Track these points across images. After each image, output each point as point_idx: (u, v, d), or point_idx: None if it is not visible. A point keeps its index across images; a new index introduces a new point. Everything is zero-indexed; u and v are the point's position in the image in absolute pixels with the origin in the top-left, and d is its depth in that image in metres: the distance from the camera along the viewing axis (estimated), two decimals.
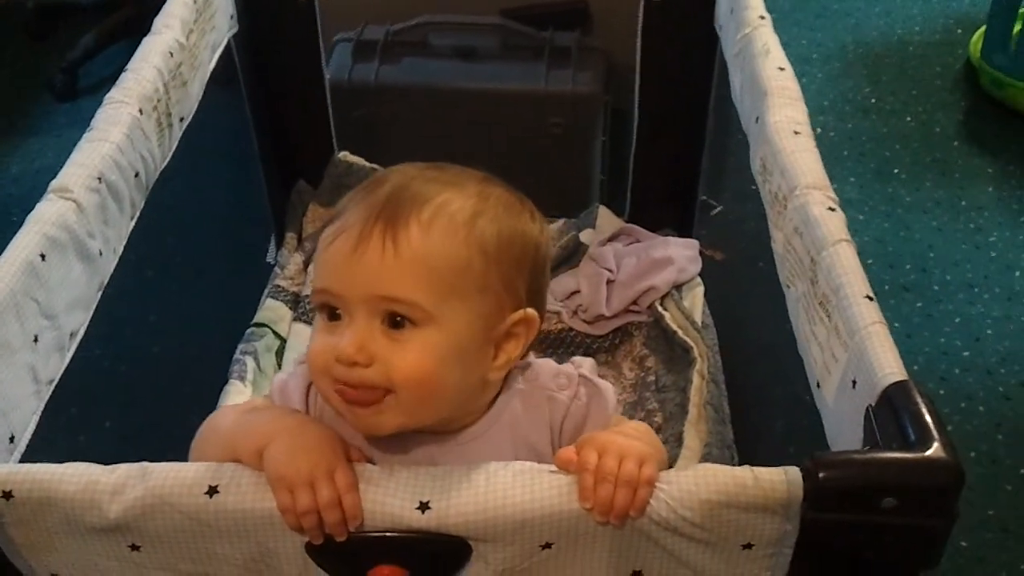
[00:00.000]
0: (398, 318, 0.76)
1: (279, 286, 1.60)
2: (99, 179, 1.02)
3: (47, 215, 0.95)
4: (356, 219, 0.77)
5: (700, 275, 1.60)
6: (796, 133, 1.04)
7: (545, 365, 0.88)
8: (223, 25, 1.41)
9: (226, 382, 1.42)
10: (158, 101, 1.16)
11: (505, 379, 0.85)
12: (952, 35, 2.66)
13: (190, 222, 1.99)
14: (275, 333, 1.53)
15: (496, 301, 0.79)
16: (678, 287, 1.55)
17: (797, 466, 0.69)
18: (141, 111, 1.12)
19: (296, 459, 0.70)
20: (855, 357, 0.80)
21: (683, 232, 1.71)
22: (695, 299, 1.54)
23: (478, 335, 0.79)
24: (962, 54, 2.57)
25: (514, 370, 0.85)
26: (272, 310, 1.56)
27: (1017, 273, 1.98)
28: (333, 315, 0.78)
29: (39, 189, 0.97)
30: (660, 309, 1.51)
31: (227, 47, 1.44)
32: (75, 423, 1.66)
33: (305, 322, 1.54)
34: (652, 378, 1.46)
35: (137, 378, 1.76)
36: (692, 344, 1.44)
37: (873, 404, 0.75)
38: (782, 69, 1.14)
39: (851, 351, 0.81)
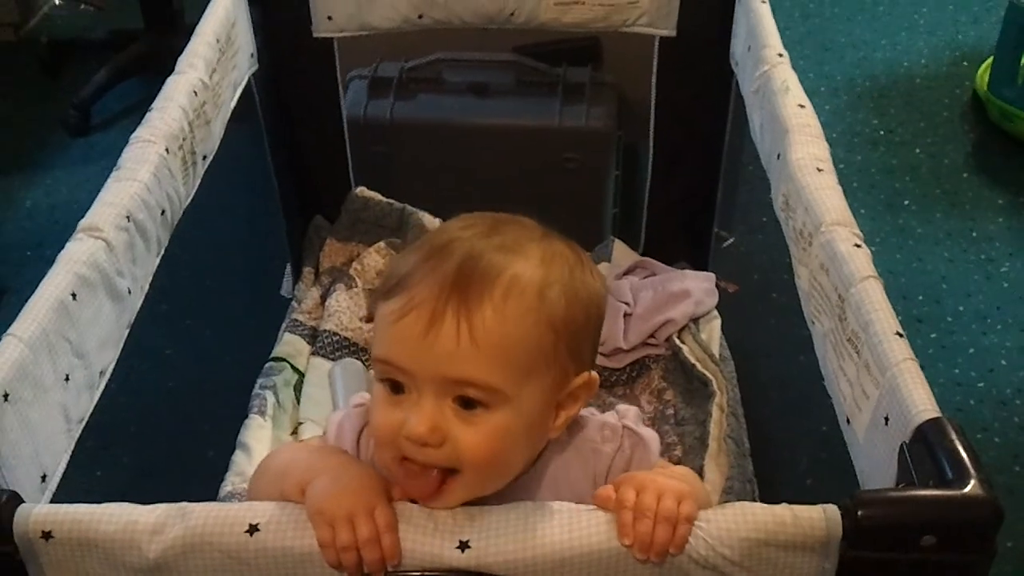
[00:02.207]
0: (468, 399, 0.75)
1: (297, 320, 1.60)
2: (128, 218, 1.03)
3: (78, 254, 0.96)
4: (426, 295, 0.75)
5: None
6: (819, 170, 1.05)
7: (590, 418, 0.88)
8: (244, 64, 1.43)
9: (246, 416, 1.43)
10: (183, 140, 1.17)
11: None
12: (959, 68, 2.68)
13: (205, 256, 2.00)
14: (293, 367, 1.53)
15: (562, 369, 0.79)
16: (695, 320, 1.56)
17: (833, 503, 0.69)
18: (167, 150, 1.13)
19: (337, 495, 0.71)
20: (887, 394, 0.80)
21: (698, 265, 1.72)
22: (712, 332, 1.55)
23: (545, 406, 0.79)
24: (969, 86, 2.59)
25: None
26: (290, 344, 1.56)
27: None
28: (396, 387, 0.77)
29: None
30: (678, 342, 1.51)
31: (247, 84, 1.45)
32: (92, 458, 1.66)
33: (323, 356, 1.55)
34: (671, 411, 1.46)
35: (154, 413, 1.77)
36: (711, 377, 1.44)
37: (907, 441, 0.76)
38: (802, 106, 1.15)
39: (883, 388, 0.81)
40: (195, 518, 0.70)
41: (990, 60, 2.45)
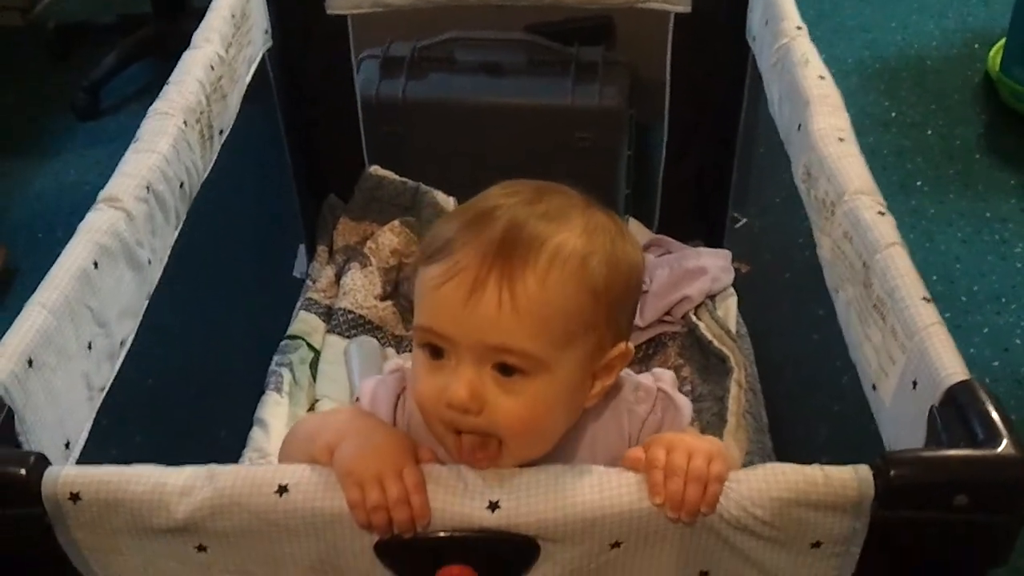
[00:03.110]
0: (508, 366, 0.75)
1: (312, 299, 1.60)
2: (147, 188, 1.03)
3: (99, 224, 0.96)
4: (468, 262, 0.75)
5: None
6: (841, 140, 1.05)
7: (626, 377, 0.88)
8: (259, 39, 1.42)
9: (262, 393, 1.43)
10: (201, 113, 1.17)
11: None
12: (969, 50, 2.67)
13: (218, 237, 1.99)
14: (309, 345, 1.53)
15: (599, 339, 0.79)
16: (711, 297, 1.55)
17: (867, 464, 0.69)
18: (185, 123, 1.13)
19: (366, 456, 0.71)
20: (915, 358, 0.80)
21: (712, 245, 1.71)
22: (728, 309, 1.55)
23: (583, 374, 0.79)
24: (980, 68, 2.57)
25: None
26: (305, 322, 1.56)
27: None
28: (436, 352, 0.77)
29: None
30: (694, 319, 1.51)
31: (261, 62, 1.45)
32: (106, 435, 1.65)
33: (338, 334, 1.55)
34: (688, 388, 1.46)
35: (167, 392, 1.75)
36: (728, 353, 1.44)
37: (937, 404, 0.75)
38: (823, 78, 1.14)
39: (910, 352, 0.81)
40: (224, 479, 0.70)
41: (1001, 42, 2.44)
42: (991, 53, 2.50)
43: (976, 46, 2.66)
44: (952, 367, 0.76)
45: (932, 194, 2.22)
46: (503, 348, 0.74)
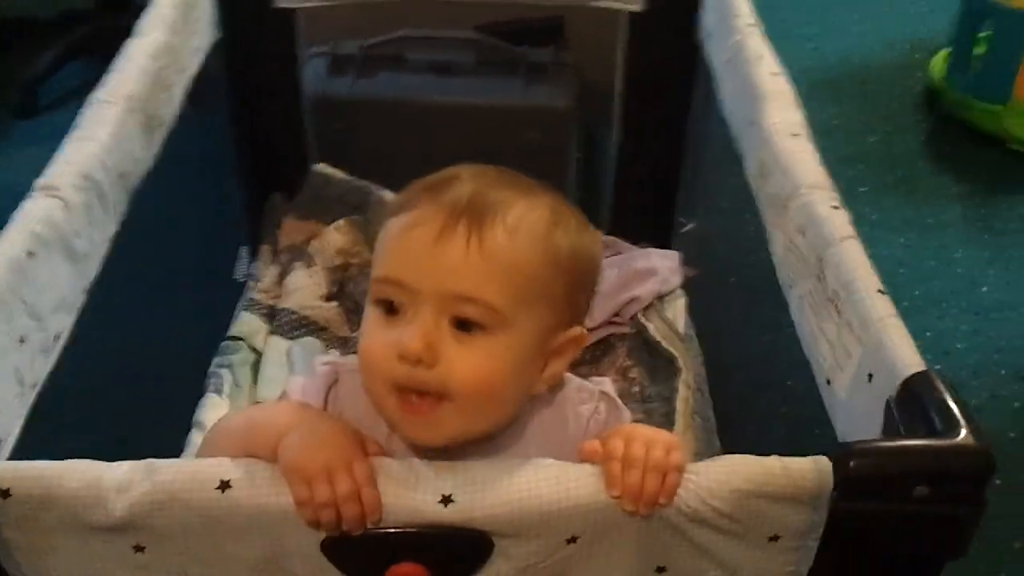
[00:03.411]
0: (467, 321, 0.73)
1: (254, 299, 1.56)
2: (85, 178, 0.99)
3: (34, 212, 0.92)
4: (435, 212, 0.74)
5: None
6: (795, 135, 1.04)
7: (570, 377, 0.86)
8: (205, 31, 1.39)
9: (201, 395, 1.39)
10: (143, 102, 1.14)
11: None
12: (911, 59, 2.71)
13: (157, 239, 1.94)
14: (250, 347, 1.49)
15: (557, 315, 0.78)
16: (660, 298, 1.54)
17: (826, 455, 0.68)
18: (127, 111, 1.09)
19: (313, 451, 0.68)
20: (871, 351, 0.80)
21: (661, 247, 1.70)
22: (677, 310, 1.54)
23: (538, 347, 0.77)
24: (921, 77, 2.61)
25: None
26: (247, 323, 1.52)
27: (984, 288, 2.00)
28: (392, 308, 0.75)
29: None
30: (643, 320, 1.50)
31: (207, 57, 1.41)
32: (38, 440, 1.60)
33: (281, 335, 1.51)
34: (636, 389, 1.45)
35: (103, 397, 1.71)
36: (676, 354, 1.43)
37: (894, 396, 0.75)
38: (775, 74, 1.14)
39: (866, 345, 0.81)
40: (163, 474, 0.67)
41: (944, 51, 2.48)
42: (933, 62, 2.54)
43: (918, 55, 2.70)
44: (909, 359, 0.76)
45: (875, 200, 2.24)
46: (466, 296, 0.73)
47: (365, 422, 0.78)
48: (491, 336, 0.74)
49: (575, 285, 0.79)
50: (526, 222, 0.76)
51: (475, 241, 0.73)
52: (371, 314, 0.77)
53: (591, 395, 0.86)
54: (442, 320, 0.73)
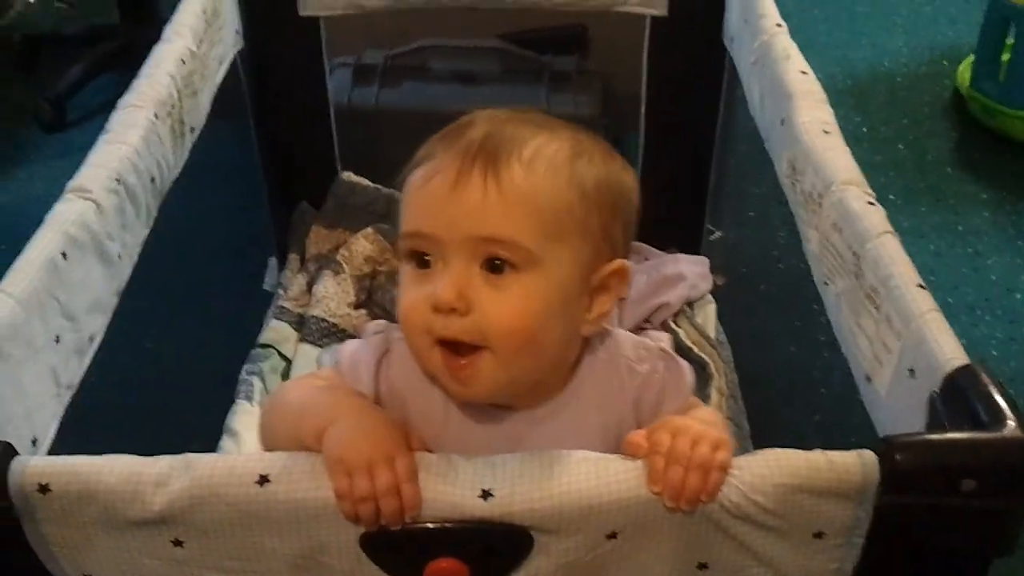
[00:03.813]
0: (498, 261, 0.72)
1: (283, 307, 1.56)
2: (118, 180, 1.00)
3: (68, 214, 0.92)
4: (450, 160, 0.74)
5: None
6: (826, 132, 1.04)
7: (625, 335, 0.85)
8: (229, 39, 1.39)
9: (232, 402, 1.39)
10: (172, 107, 1.14)
11: (585, 346, 0.82)
12: (938, 66, 2.69)
13: (187, 249, 1.96)
14: (280, 354, 1.49)
15: (594, 248, 0.76)
16: (690, 304, 1.53)
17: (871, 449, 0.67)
18: (156, 116, 1.09)
19: (356, 443, 0.67)
20: (912, 345, 0.78)
21: (688, 254, 1.69)
22: (707, 315, 1.53)
23: (578, 283, 0.76)
24: (949, 84, 2.60)
25: (594, 338, 0.82)
26: (277, 331, 1.52)
27: (1018, 295, 1.98)
28: (423, 262, 0.74)
29: (26, 218, 0.92)
30: (673, 326, 1.49)
31: (233, 66, 1.42)
32: (71, 449, 1.60)
33: (310, 342, 1.51)
34: None
35: (135, 406, 1.72)
36: (708, 360, 1.42)
37: (937, 390, 0.73)
38: (805, 73, 1.13)
39: (907, 340, 0.79)
40: (201, 469, 0.66)
41: (970, 58, 2.46)
42: (960, 69, 2.53)
43: (945, 63, 2.69)
44: (952, 352, 0.74)
45: (905, 208, 2.22)
46: (491, 238, 0.72)
47: (418, 389, 0.78)
48: (524, 275, 0.73)
49: (608, 216, 0.77)
50: (543, 155, 0.74)
51: (492, 181, 0.72)
52: (405, 271, 0.76)
53: (649, 352, 0.84)
54: (472, 266, 0.73)
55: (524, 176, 0.73)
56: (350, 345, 0.85)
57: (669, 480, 0.66)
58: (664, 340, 0.86)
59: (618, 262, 0.79)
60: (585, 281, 0.77)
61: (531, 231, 0.72)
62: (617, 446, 0.74)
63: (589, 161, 0.77)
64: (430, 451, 0.70)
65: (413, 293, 0.75)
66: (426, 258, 0.74)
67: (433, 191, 0.73)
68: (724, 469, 0.67)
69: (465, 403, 0.79)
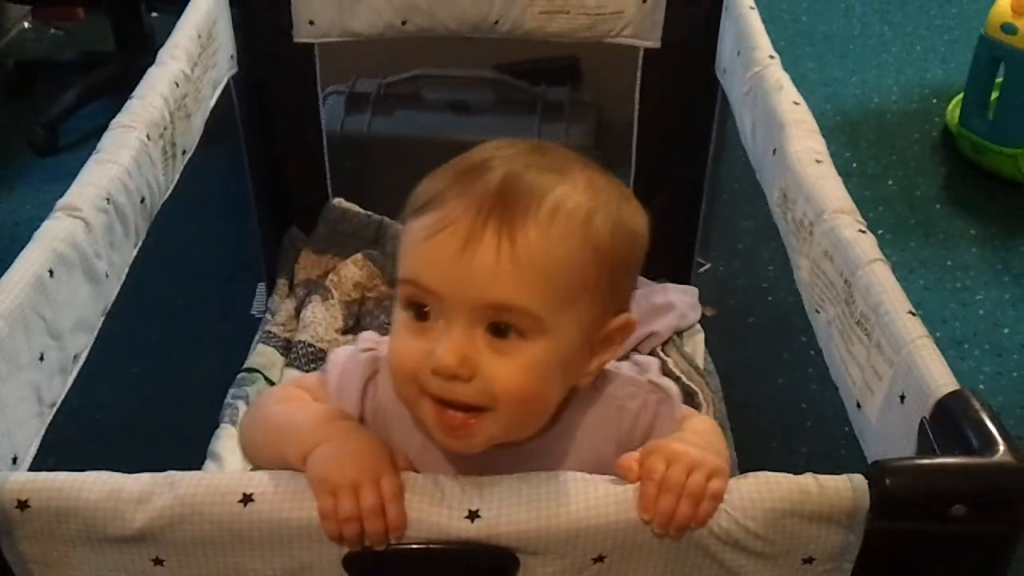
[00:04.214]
0: (504, 326, 0.70)
1: (270, 332, 1.55)
2: (107, 200, 0.99)
3: (56, 231, 0.91)
4: (462, 212, 0.69)
5: None
6: (818, 162, 1.04)
7: (615, 371, 0.83)
8: (224, 64, 1.40)
9: (216, 426, 1.38)
10: (164, 129, 1.14)
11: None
12: (928, 104, 2.71)
13: (174, 275, 1.95)
14: (266, 379, 1.48)
15: (602, 305, 0.74)
16: (679, 333, 1.53)
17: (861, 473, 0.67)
18: (148, 137, 1.09)
19: (341, 463, 0.67)
20: (902, 372, 0.78)
21: (679, 284, 1.69)
22: (696, 345, 1.53)
23: (582, 343, 0.74)
24: (939, 122, 2.61)
25: None
26: (264, 355, 1.51)
27: (1005, 330, 1.98)
28: (421, 314, 0.71)
29: (16, 241, 0.92)
30: (662, 355, 1.48)
31: (226, 90, 1.42)
32: (54, 469, 1.59)
33: (297, 367, 1.50)
34: None
35: (119, 431, 1.70)
36: (697, 389, 1.41)
37: (928, 416, 0.73)
38: (797, 103, 1.14)
39: (897, 366, 0.79)
40: (184, 486, 0.66)
41: (959, 96, 2.48)
42: (949, 107, 2.55)
43: (934, 100, 2.71)
44: (942, 378, 0.74)
45: (894, 242, 2.23)
46: (500, 306, 0.69)
47: (400, 416, 0.76)
48: (531, 342, 0.70)
49: (617, 271, 0.75)
50: (561, 213, 0.71)
51: (506, 243, 0.69)
52: (400, 317, 0.73)
53: (639, 388, 0.83)
54: (476, 329, 0.70)
55: (540, 240, 0.70)
56: (340, 355, 0.83)
57: (660, 508, 0.65)
58: (652, 367, 0.85)
59: (623, 318, 0.77)
60: (590, 338, 0.75)
61: (542, 299, 0.70)
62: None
63: (605, 215, 0.74)
64: (417, 471, 0.69)
65: (409, 345, 0.72)
66: (425, 310, 0.71)
67: (441, 246, 0.70)
68: (717, 499, 0.66)
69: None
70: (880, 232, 2.23)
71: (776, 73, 1.19)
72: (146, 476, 0.67)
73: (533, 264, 0.69)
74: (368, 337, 0.85)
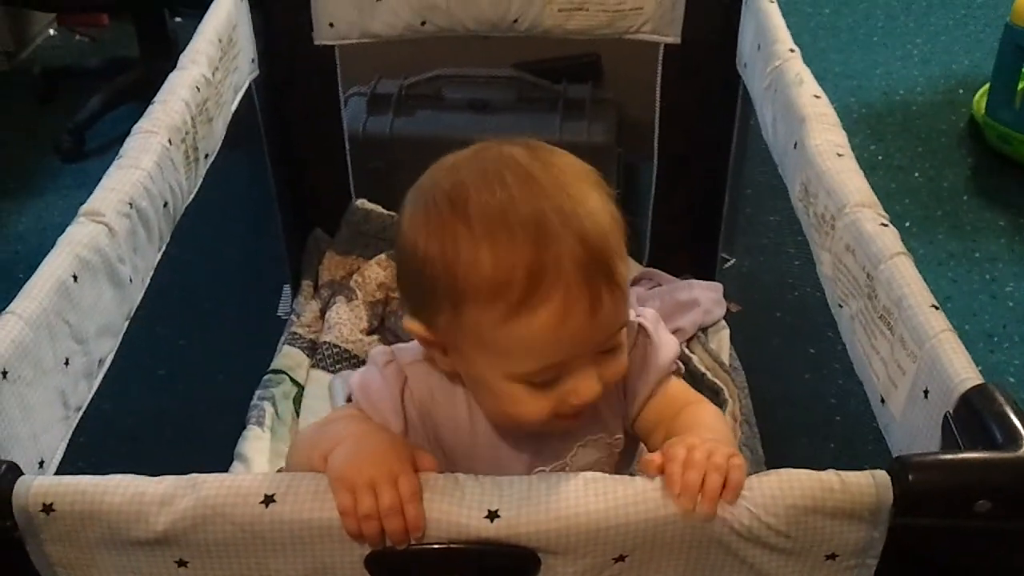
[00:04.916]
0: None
1: (296, 333, 1.56)
2: (130, 204, 1.00)
3: (79, 237, 0.92)
4: (576, 289, 0.73)
5: None
6: (839, 155, 1.03)
7: None
8: (245, 67, 1.40)
9: (243, 428, 1.38)
10: (186, 134, 1.14)
11: None
12: (954, 95, 2.69)
13: (201, 277, 1.97)
14: (292, 380, 1.49)
15: None
16: (704, 329, 1.52)
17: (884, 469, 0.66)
18: (170, 141, 1.10)
19: (360, 462, 0.67)
20: (926, 366, 0.77)
21: (703, 279, 1.68)
22: (721, 341, 1.52)
23: None
24: (965, 113, 2.59)
25: None
26: (289, 357, 1.52)
27: None
28: (545, 383, 0.78)
29: (45, 248, 0.93)
30: (687, 351, 1.48)
31: (248, 94, 1.43)
32: (82, 472, 1.60)
33: (323, 368, 1.51)
34: None
35: (147, 433, 1.72)
36: (722, 386, 1.41)
37: (951, 411, 0.72)
38: (818, 97, 1.13)
39: (921, 361, 0.78)
40: (207, 488, 0.66)
41: (986, 86, 2.46)
42: (976, 97, 2.52)
43: (961, 91, 2.68)
44: (966, 372, 0.73)
45: (921, 235, 2.21)
46: (615, 335, 0.79)
47: (444, 410, 0.82)
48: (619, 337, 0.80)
49: None
50: (619, 233, 0.78)
51: (612, 288, 0.75)
52: (517, 390, 0.78)
53: (630, 329, 0.88)
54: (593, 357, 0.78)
55: (624, 266, 0.78)
56: (355, 377, 0.86)
57: (688, 482, 0.65)
58: (647, 316, 0.90)
59: None
60: None
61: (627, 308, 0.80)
62: (615, 426, 0.88)
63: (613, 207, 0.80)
64: (441, 471, 0.70)
65: (539, 404, 0.78)
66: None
67: (573, 326, 0.74)
68: (742, 470, 0.67)
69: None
70: (907, 225, 2.23)
71: (796, 66, 1.18)
72: (169, 479, 0.67)
73: (625, 286, 0.78)
74: (380, 352, 0.88)
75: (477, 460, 0.86)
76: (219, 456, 1.38)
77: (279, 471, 0.87)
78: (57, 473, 0.85)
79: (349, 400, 0.86)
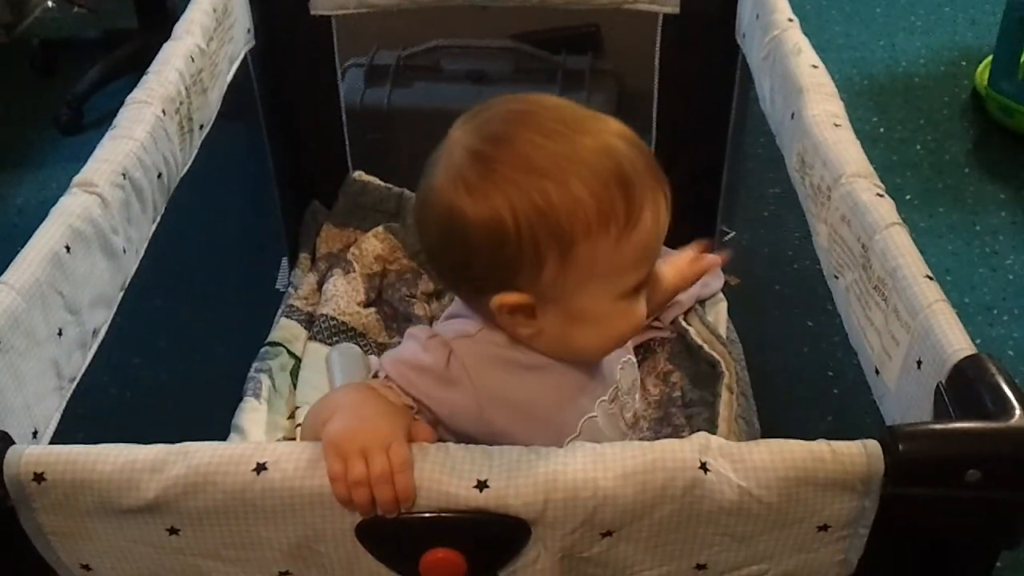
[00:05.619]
0: None
1: (293, 306, 1.56)
2: (123, 175, 1.00)
3: (72, 207, 0.92)
4: (651, 194, 0.80)
5: None
6: (836, 125, 1.02)
7: None
8: (240, 38, 1.40)
9: (240, 399, 1.39)
10: (180, 104, 1.14)
11: None
12: (956, 67, 2.67)
13: (199, 250, 1.96)
14: (289, 352, 1.49)
15: None
16: (701, 302, 1.52)
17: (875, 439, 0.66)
18: (164, 112, 1.10)
19: (352, 429, 0.67)
20: (919, 336, 0.77)
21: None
22: (719, 314, 1.52)
23: None
24: (967, 85, 2.57)
25: None
26: (287, 329, 1.52)
27: None
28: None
29: (43, 219, 0.93)
30: (684, 324, 1.47)
31: (244, 65, 1.42)
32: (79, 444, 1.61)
33: (320, 341, 1.51)
34: (678, 394, 1.42)
35: (146, 405, 1.72)
36: (719, 358, 1.40)
37: (944, 381, 0.72)
38: (815, 67, 1.12)
39: (914, 331, 0.78)
40: (199, 456, 0.66)
41: (989, 59, 2.44)
42: (979, 69, 2.51)
43: (963, 63, 2.66)
44: (959, 343, 0.73)
45: (922, 207, 2.20)
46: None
47: (498, 372, 0.83)
48: None
49: None
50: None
51: (668, 191, 0.84)
52: (622, 304, 0.82)
53: None
54: None
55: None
56: (397, 352, 0.86)
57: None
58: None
59: None
60: None
61: None
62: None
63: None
64: (442, 440, 0.70)
65: (639, 312, 0.85)
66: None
67: (664, 220, 0.83)
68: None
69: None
70: (908, 197, 2.22)
71: (795, 37, 1.17)
72: (160, 447, 0.67)
73: None
74: (421, 328, 0.91)
75: (539, 409, 0.86)
76: (217, 428, 1.38)
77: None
78: (55, 443, 0.85)
79: (375, 377, 0.85)
